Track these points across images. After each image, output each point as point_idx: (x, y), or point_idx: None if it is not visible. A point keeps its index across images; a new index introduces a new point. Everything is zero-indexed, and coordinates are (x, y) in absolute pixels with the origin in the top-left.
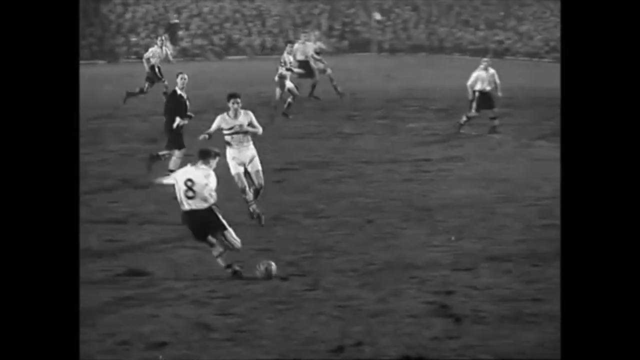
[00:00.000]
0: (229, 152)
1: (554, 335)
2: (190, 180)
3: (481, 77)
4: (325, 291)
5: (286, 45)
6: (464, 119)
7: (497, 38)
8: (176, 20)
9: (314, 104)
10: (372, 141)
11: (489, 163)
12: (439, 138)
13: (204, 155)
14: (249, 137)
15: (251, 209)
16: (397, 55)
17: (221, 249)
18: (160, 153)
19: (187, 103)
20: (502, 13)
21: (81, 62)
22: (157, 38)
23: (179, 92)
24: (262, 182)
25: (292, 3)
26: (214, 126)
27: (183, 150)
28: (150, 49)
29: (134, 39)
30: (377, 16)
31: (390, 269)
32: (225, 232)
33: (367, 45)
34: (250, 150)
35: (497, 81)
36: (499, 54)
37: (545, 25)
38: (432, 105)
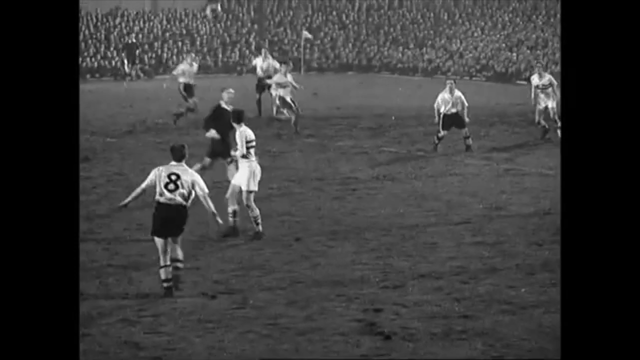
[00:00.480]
0: None
1: (487, 351)
2: (174, 174)
3: (445, 100)
4: (254, 309)
5: (280, 65)
6: (436, 140)
7: (427, 57)
8: (133, 40)
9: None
10: (301, 159)
11: (418, 181)
12: (368, 156)
13: (176, 153)
14: (248, 156)
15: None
16: (325, 74)
17: (168, 262)
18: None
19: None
20: (432, 32)
21: None
22: (187, 54)
23: (223, 105)
24: (249, 203)
25: (220, 22)
26: None
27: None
28: (178, 67)
29: None
30: (306, 35)
31: (318, 286)
32: (179, 238)
33: (296, 63)
34: (245, 169)
35: (466, 104)
36: (429, 72)
37: (476, 44)
38: (360, 123)
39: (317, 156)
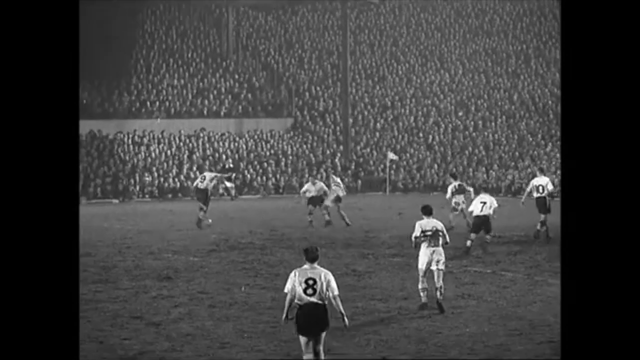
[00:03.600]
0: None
1: None
2: (311, 279)
3: None
4: None
5: (450, 176)
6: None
7: (509, 177)
8: (231, 165)
9: (327, 242)
10: (386, 278)
11: (501, 301)
12: (452, 276)
13: (309, 254)
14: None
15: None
16: (410, 194)
17: (311, 356)
18: None
19: None
20: (516, 153)
21: (94, 200)
22: (311, 177)
23: None
24: (440, 283)
25: (307, 143)
26: None
27: None
28: (305, 185)
29: (147, 178)
30: (391, 156)
31: None
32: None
33: (381, 184)
34: (437, 253)
35: None
36: (513, 193)
37: (558, 165)
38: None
39: (402, 275)
